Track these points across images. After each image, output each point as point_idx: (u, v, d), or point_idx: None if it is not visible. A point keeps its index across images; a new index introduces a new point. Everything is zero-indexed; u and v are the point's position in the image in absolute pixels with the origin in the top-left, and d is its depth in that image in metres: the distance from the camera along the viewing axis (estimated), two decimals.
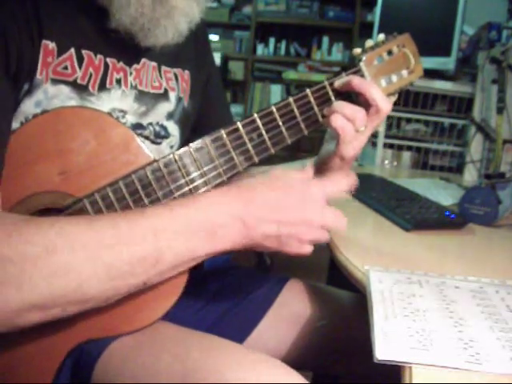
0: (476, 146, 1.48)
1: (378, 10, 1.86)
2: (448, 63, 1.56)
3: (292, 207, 0.59)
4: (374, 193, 1.09)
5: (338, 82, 0.69)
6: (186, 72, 0.83)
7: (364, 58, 0.71)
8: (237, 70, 4.33)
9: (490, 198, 0.94)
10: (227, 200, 0.57)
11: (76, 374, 0.65)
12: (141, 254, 0.53)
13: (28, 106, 0.64)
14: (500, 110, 1.34)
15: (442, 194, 1.18)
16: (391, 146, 1.64)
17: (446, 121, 1.63)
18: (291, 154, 3.64)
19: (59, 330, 0.63)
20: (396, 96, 0.76)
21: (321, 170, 0.76)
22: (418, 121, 1.65)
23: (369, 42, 0.73)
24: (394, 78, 0.73)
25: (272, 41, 4.25)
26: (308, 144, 3.31)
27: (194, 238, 0.56)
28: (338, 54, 4.16)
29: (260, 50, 4.27)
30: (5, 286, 0.48)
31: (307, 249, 0.61)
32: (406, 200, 1.03)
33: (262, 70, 4.28)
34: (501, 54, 1.37)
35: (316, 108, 0.69)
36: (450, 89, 1.58)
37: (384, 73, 0.72)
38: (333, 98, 0.69)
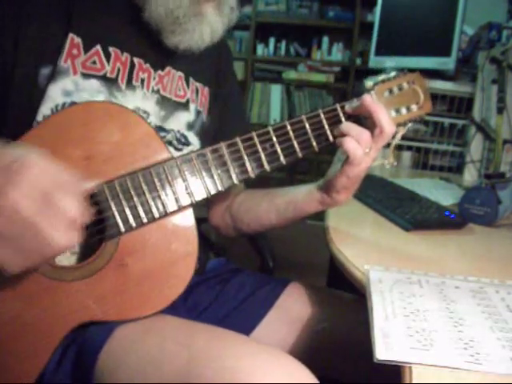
0: (476, 146, 1.48)
1: (377, 10, 1.86)
2: (448, 63, 1.55)
3: None
4: (373, 193, 1.09)
5: (348, 106, 0.73)
6: (206, 89, 0.86)
7: (376, 89, 0.75)
8: (237, 69, 4.29)
9: (489, 198, 0.94)
10: None
11: (80, 361, 0.66)
12: None
13: (55, 93, 0.69)
14: (500, 110, 1.34)
15: (442, 194, 1.18)
16: None
17: (446, 121, 1.63)
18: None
19: (61, 307, 0.64)
20: (405, 129, 0.80)
21: (326, 189, 0.77)
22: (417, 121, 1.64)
23: (380, 76, 0.77)
24: (404, 110, 0.77)
25: (272, 41, 4.24)
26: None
27: None
28: (338, 53, 4.15)
29: (260, 50, 4.26)
30: None
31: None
32: (405, 200, 1.03)
33: (262, 70, 4.28)
34: (501, 54, 1.37)
35: (327, 127, 0.73)
36: (450, 89, 1.58)
37: (394, 104, 0.76)
38: (343, 120, 0.73)
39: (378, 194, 1.08)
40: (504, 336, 0.52)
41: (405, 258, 0.76)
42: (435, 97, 1.60)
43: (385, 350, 0.48)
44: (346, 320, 0.84)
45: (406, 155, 1.65)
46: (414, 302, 0.58)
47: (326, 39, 4.18)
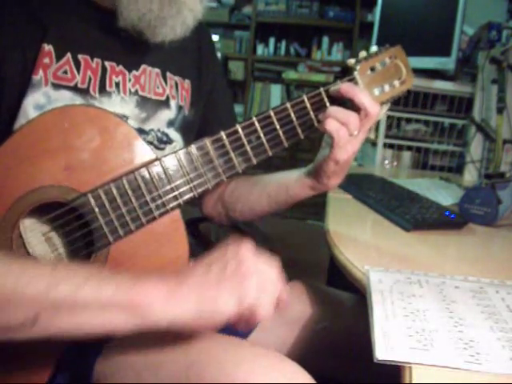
0: (476, 146, 1.48)
1: (377, 9, 1.86)
2: (448, 63, 1.55)
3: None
4: (373, 193, 1.09)
5: (332, 89, 0.72)
6: (187, 81, 0.83)
7: (358, 68, 0.75)
8: (237, 69, 4.33)
9: (489, 198, 0.94)
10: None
11: (76, 369, 0.66)
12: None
13: (28, 107, 0.65)
14: (500, 110, 1.34)
15: (442, 193, 1.18)
16: (391, 146, 1.64)
17: (446, 121, 1.63)
18: (291, 153, 3.65)
19: None
20: (389, 105, 0.79)
21: (316, 174, 0.77)
22: (418, 121, 1.64)
23: (362, 53, 0.77)
24: (387, 87, 0.77)
25: (272, 41, 4.25)
26: (307, 144, 3.31)
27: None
28: (337, 53, 4.16)
29: (260, 50, 4.27)
30: None
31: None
32: (405, 200, 1.03)
33: (262, 70, 4.29)
34: (501, 54, 1.37)
35: (312, 113, 0.71)
36: (450, 89, 1.58)
37: (377, 82, 0.76)
38: (328, 104, 0.72)
39: (378, 194, 1.08)
40: (504, 336, 0.52)
41: (405, 258, 0.76)
42: (435, 97, 1.60)
43: (385, 349, 0.48)
44: (346, 319, 0.84)
45: (406, 155, 1.64)
46: (413, 302, 0.58)
47: (325, 39, 4.19)
